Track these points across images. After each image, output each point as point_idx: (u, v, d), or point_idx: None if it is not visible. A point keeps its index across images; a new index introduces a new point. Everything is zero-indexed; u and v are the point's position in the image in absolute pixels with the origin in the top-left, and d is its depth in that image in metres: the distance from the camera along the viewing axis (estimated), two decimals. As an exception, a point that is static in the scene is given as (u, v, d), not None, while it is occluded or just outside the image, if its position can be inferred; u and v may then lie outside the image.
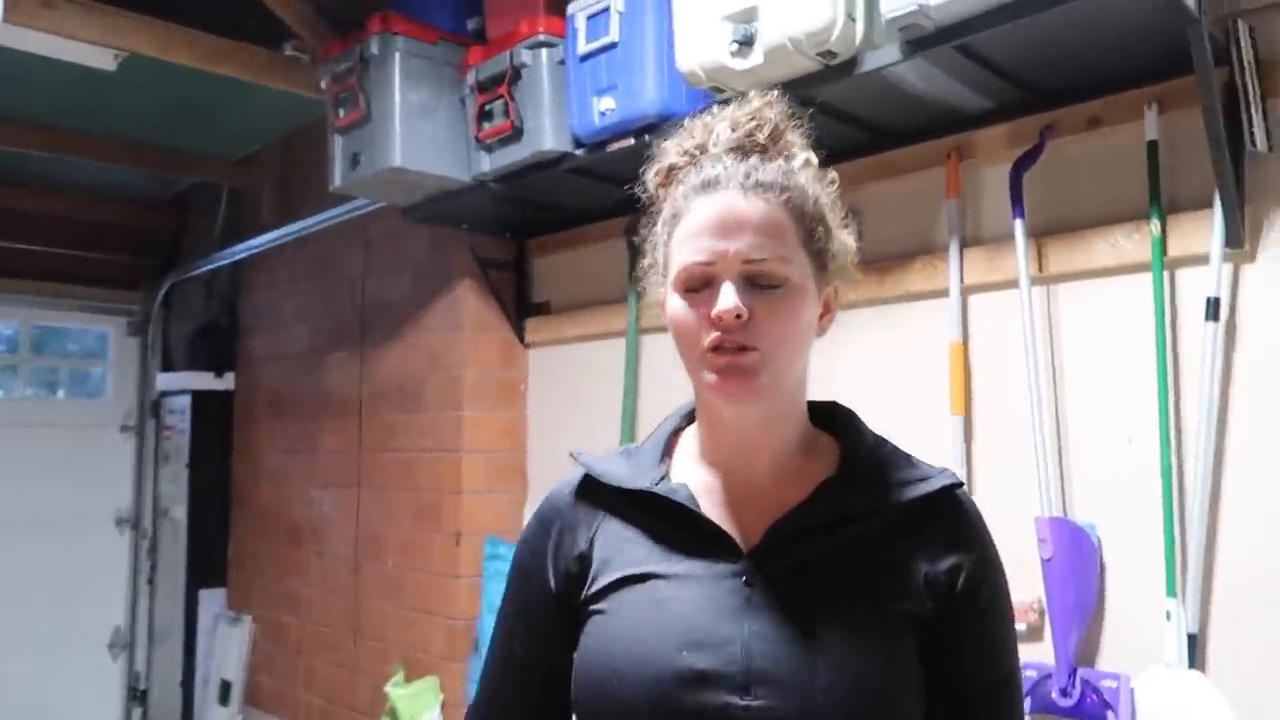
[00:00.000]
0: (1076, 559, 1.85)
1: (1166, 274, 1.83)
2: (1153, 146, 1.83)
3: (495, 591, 2.99)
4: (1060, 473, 1.95)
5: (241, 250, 4.07)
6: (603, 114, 2.25)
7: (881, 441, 0.96)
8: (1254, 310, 1.75)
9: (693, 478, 0.94)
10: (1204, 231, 1.76)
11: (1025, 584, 1.91)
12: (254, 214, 4.20)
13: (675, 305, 0.89)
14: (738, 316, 0.83)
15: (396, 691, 3.10)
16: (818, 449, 0.95)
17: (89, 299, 4.67)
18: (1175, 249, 1.81)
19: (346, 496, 3.63)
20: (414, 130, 2.56)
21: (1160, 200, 1.82)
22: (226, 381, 4.38)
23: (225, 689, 4.12)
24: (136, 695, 4.61)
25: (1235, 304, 1.77)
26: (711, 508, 0.91)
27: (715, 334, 0.84)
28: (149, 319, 4.79)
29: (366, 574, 3.50)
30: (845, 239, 0.94)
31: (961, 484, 0.93)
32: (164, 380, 4.52)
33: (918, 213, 2.23)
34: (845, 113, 2.10)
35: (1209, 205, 1.75)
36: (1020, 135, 2.04)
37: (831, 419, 0.97)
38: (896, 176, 2.26)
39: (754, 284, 0.85)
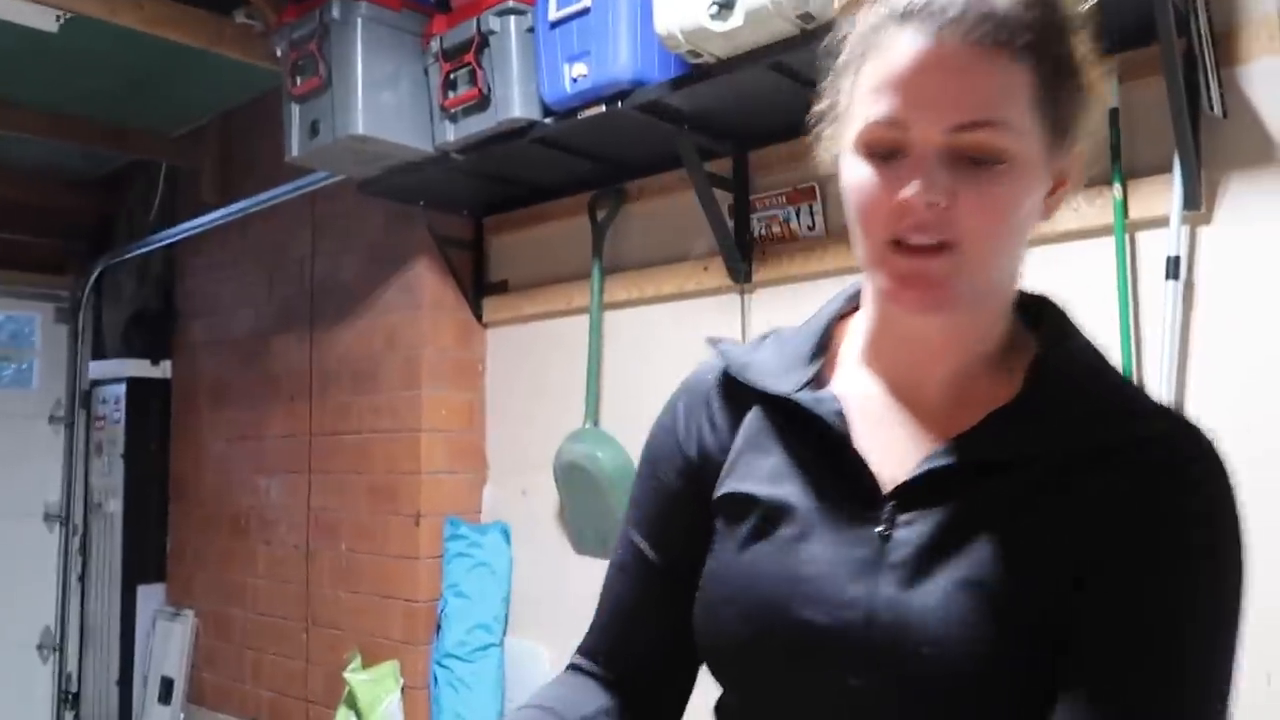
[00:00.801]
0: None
1: (1128, 236, 1.90)
2: (1114, 114, 1.90)
3: (457, 573, 2.95)
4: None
5: (181, 231, 3.95)
6: (574, 80, 2.24)
7: (1094, 356, 0.74)
8: (1211, 269, 1.83)
9: (850, 384, 0.77)
10: (1163, 194, 1.84)
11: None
12: (192, 196, 4.07)
13: (853, 171, 0.68)
14: (931, 206, 0.64)
15: (355, 677, 3.04)
16: (1015, 362, 0.74)
17: (13, 284, 4.47)
18: (1136, 212, 1.89)
19: (296, 482, 3.54)
20: (376, 98, 2.52)
21: (1121, 165, 1.89)
22: (163, 369, 4.24)
23: (167, 686, 3.99)
24: (68, 698, 4.42)
25: (1193, 263, 1.85)
26: (864, 429, 0.74)
27: (901, 223, 0.65)
28: (79, 305, 4.60)
29: (319, 561, 3.42)
30: (1099, 86, 0.70)
31: (1196, 431, 0.68)
32: (97, 369, 4.35)
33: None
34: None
35: (1168, 169, 1.83)
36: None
37: (1037, 320, 0.76)
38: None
39: (961, 159, 0.64)
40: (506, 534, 2.99)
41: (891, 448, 0.73)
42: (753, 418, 0.80)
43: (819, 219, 2.37)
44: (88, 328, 4.59)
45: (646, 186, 2.74)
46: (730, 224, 2.45)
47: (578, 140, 2.50)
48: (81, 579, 4.42)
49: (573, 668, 0.88)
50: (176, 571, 4.14)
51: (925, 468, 0.70)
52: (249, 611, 3.72)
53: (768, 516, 0.75)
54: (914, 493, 0.70)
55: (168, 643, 4.04)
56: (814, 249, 2.36)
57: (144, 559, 4.16)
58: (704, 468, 0.81)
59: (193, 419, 4.09)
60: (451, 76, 2.48)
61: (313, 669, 3.40)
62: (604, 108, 2.23)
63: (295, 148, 2.66)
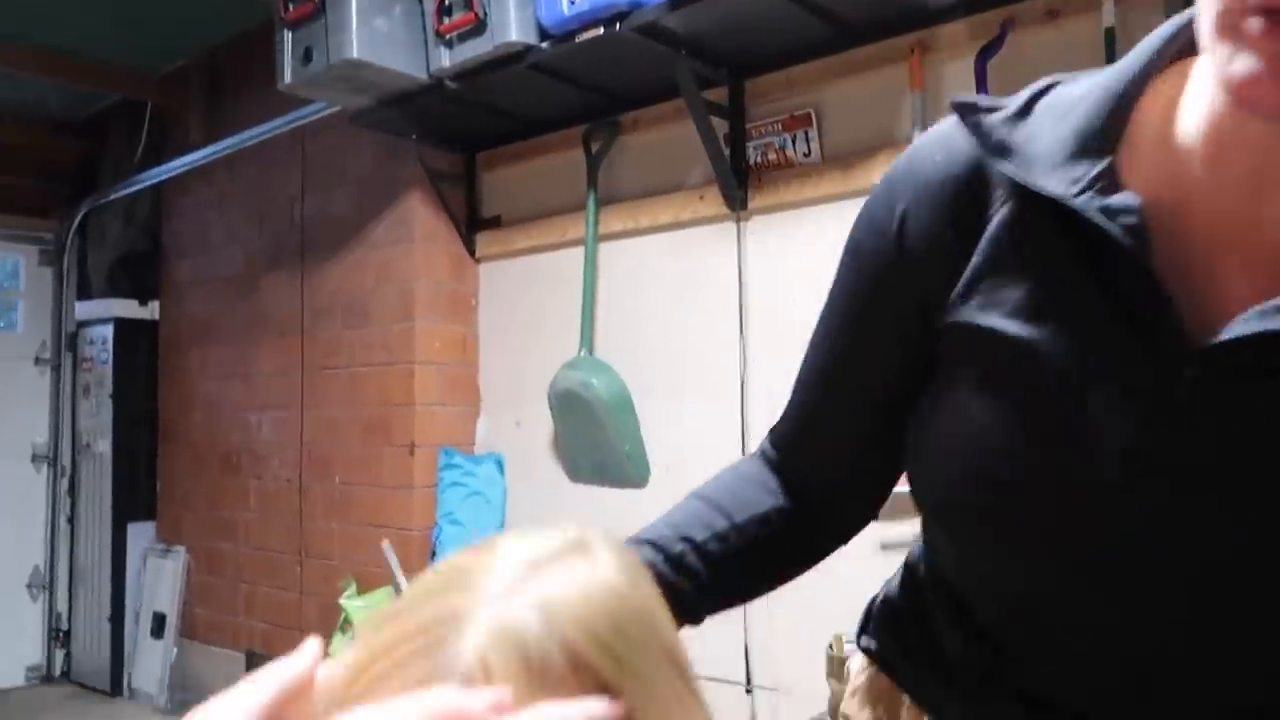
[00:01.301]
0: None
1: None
2: (1110, 33, 1.93)
3: (451, 501, 2.99)
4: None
5: (169, 170, 3.92)
6: (572, 3, 2.24)
7: None
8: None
9: (1157, 180, 0.54)
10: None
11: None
12: (177, 137, 4.03)
13: None
14: None
15: (351, 604, 3.08)
16: None
17: (-2, 225, 4.43)
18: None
19: (288, 418, 3.56)
20: (370, 23, 2.51)
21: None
22: (151, 310, 4.22)
23: (159, 621, 4.02)
24: (58, 635, 4.45)
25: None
26: (1170, 247, 0.54)
27: None
28: (63, 248, 4.57)
29: (311, 495, 3.45)
30: None
31: None
32: (83, 309, 4.33)
33: (881, 108, 2.30)
34: (814, 3, 2.15)
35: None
36: (981, 29, 2.12)
37: None
38: (861, 73, 2.32)
39: None
40: (500, 464, 3.03)
41: (1210, 278, 0.53)
42: (1005, 222, 0.59)
43: (815, 145, 2.39)
44: (72, 270, 4.55)
45: (642, 118, 2.75)
46: (726, 152, 2.47)
47: (574, 67, 2.50)
48: (71, 519, 4.43)
49: (760, 454, 0.79)
50: (167, 509, 4.15)
51: (1256, 327, 0.50)
52: (241, 546, 3.75)
53: (1017, 363, 0.57)
54: (1233, 353, 0.51)
55: (159, 579, 4.07)
56: (810, 175, 2.39)
57: (134, 498, 4.17)
58: (926, 282, 0.63)
59: (181, 359, 4.09)
60: (447, 2, 2.47)
61: (306, 600, 3.45)
62: (601, 30, 2.24)
63: (288, 75, 2.65)
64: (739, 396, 2.49)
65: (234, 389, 3.81)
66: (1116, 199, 0.53)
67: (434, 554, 2.99)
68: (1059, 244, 0.56)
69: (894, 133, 2.27)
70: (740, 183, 2.48)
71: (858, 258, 0.69)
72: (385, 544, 3.08)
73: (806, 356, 0.75)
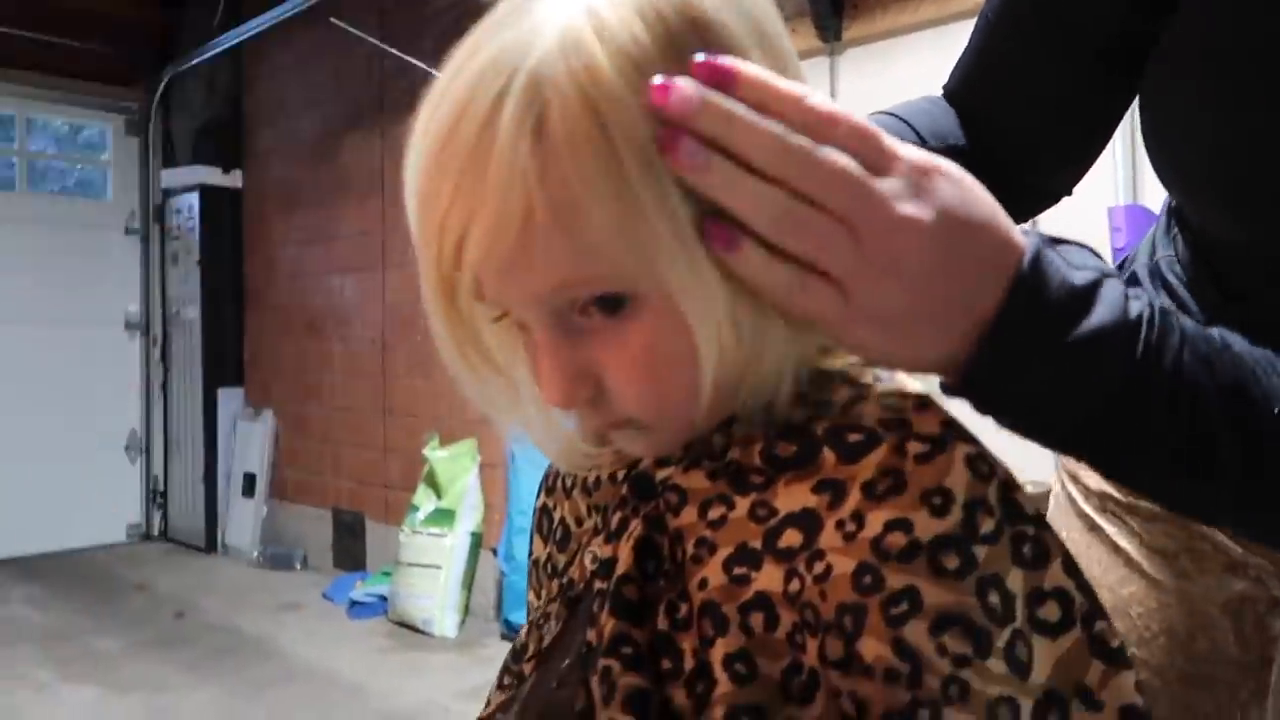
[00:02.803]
0: (1150, 247, 1.86)
1: None
2: None
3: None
4: (1133, 159, 1.94)
5: (249, 29, 3.90)
6: None
7: None
8: None
9: None
10: None
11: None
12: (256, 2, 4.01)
13: None
14: None
15: (434, 455, 3.14)
16: None
17: (84, 94, 4.49)
18: None
19: (370, 280, 3.59)
20: None
21: None
22: (234, 179, 4.27)
23: (249, 482, 4.17)
24: (155, 496, 4.65)
25: None
26: None
27: None
28: (149, 117, 4.62)
29: (394, 353, 3.49)
30: None
31: None
32: (168, 177, 4.40)
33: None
34: None
35: None
36: None
37: None
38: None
39: None
40: (581, 318, 3.02)
41: None
42: None
43: (918, -37, 2.26)
44: (158, 140, 4.61)
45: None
46: (822, -23, 2.35)
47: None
48: (164, 385, 4.58)
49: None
50: (254, 374, 4.27)
51: None
52: (326, 407, 3.84)
53: None
54: None
55: (248, 442, 4.20)
56: (909, 1, 2.26)
57: (223, 363, 4.29)
58: None
59: (264, 225, 4.14)
60: None
61: (391, 457, 3.52)
62: None
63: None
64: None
65: (316, 254, 3.85)
66: None
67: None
68: None
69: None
70: (835, 10, 2.36)
71: None
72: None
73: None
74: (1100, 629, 0.36)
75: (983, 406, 0.41)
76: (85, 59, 4.41)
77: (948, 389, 0.41)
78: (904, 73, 2.30)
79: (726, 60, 0.37)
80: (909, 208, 0.37)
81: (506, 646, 2.37)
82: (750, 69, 0.37)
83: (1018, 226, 0.40)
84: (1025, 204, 0.71)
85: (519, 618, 2.93)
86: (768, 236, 0.37)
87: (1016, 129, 0.67)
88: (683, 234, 0.37)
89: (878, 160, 0.37)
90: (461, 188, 0.37)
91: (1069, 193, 0.71)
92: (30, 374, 4.26)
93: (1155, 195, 1.89)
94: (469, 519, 3.13)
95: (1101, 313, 0.39)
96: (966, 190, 0.38)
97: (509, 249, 0.37)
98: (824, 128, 0.37)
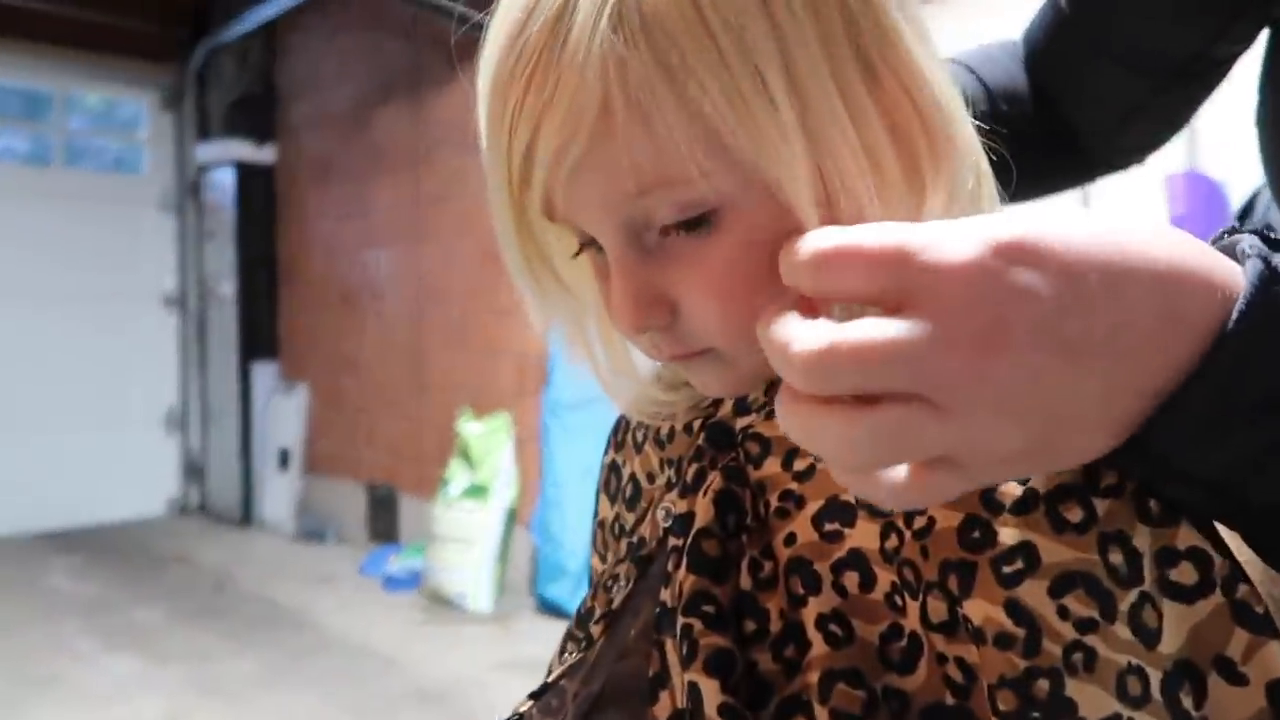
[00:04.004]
0: (1210, 216, 1.80)
1: None
2: None
3: (567, 327, 2.97)
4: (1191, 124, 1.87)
5: (283, 2, 3.88)
6: None
7: None
8: None
9: None
10: None
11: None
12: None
13: None
14: None
15: (468, 429, 3.13)
16: None
17: (120, 70, 4.50)
18: None
19: (404, 253, 3.58)
20: None
21: None
22: (267, 154, 4.28)
23: (284, 456, 4.20)
24: (193, 471, 4.70)
25: None
26: None
27: None
28: (183, 92, 4.63)
29: (429, 326, 3.48)
30: None
31: None
32: (203, 151, 4.41)
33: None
34: None
35: None
36: None
37: None
38: None
39: None
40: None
41: None
42: None
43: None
44: (192, 115, 4.62)
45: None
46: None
47: None
48: (200, 360, 4.61)
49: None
50: (289, 348, 4.28)
51: None
52: (360, 381, 3.84)
53: None
54: None
55: (283, 416, 4.22)
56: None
57: (258, 338, 4.31)
58: None
59: (298, 200, 4.15)
60: None
61: (425, 430, 3.52)
62: None
63: None
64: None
65: (351, 228, 3.85)
66: None
67: (547, 379, 2.99)
68: None
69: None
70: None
71: None
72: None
73: None
74: (1244, 593, 0.32)
75: (1164, 479, 0.32)
76: (120, 35, 4.42)
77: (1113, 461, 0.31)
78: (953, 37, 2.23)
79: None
80: (975, 339, 0.27)
81: (540, 621, 2.34)
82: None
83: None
84: (1095, 171, 0.68)
85: (553, 592, 2.92)
86: (854, 477, 0.30)
87: (1110, 95, 0.62)
88: (783, 133, 0.33)
89: (912, 287, 0.27)
90: (534, 78, 0.34)
91: (1143, 162, 0.67)
92: (69, 350, 4.30)
93: (1214, 162, 1.82)
94: (503, 493, 3.13)
95: None
96: (1065, 256, 0.27)
97: (583, 147, 0.34)
98: (830, 278, 0.29)
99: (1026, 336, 0.27)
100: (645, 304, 0.37)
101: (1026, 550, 0.33)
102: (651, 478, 0.48)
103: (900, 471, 0.29)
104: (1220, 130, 1.84)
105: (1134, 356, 0.28)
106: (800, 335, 0.28)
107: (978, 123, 0.42)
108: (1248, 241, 0.29)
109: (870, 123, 0.34)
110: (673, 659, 0.38)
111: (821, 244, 0.29)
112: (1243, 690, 0.31)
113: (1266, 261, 0.28)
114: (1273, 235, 0.30)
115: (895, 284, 0.27)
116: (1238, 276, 0.28)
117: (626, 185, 0.34)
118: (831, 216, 0.34)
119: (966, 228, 0.28)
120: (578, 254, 0.40)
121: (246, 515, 4.36)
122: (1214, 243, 0.31)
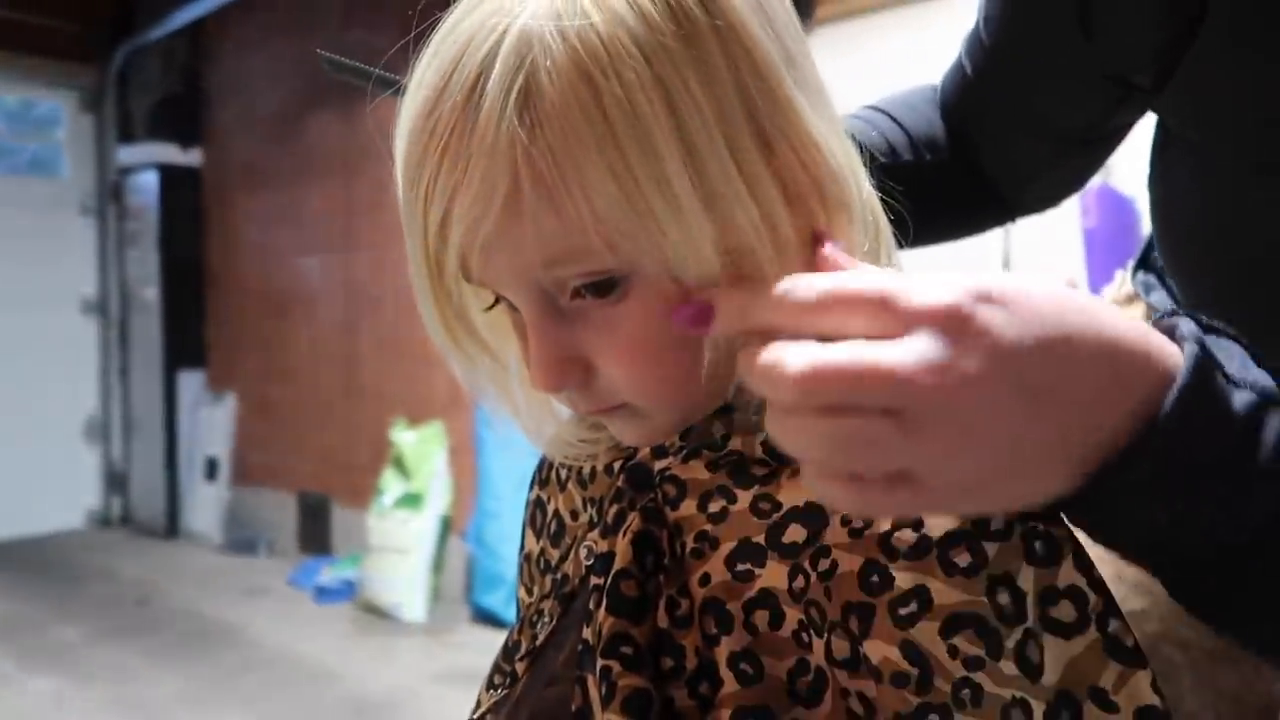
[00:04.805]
0: (1119, 229, 1.87)
1: None
2: None
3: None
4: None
5: (209, 3, 3.80)
6: None
7: None
8: None
9: None
10: None
11: (1065, 255, 1.94)
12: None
13: None
14: None
15: (401, 438, 3.10)
16: None
17: (38, 70, 4.35)
18: None
19: (336, 260, 3.53)
20: None
21: None
22: (193, 157, 4.18)
23: (211, 466, 4.10)
24: (115, 481, 4.57)
25: None
26: None
27: None
28: (104, 93, 4.50)
29: (361, 334, 3.44)
30: None
31: None
32: (126, 154, 4.29)
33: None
34: None
35: None
36: None
37: None
38: None
39: None
40: (551, 300, 2.99)
41: None
42: None
43: (891, -57, 2.25)
44: (113, 117, 4.49)
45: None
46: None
47: None
48: (123, 368, 4.49)
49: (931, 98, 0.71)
50: (216, 356, 4.19)
51: None
52: (292, 389, 3.78)
53: None
54: None
55: (211, 425, 4.13)
56: (883, -20, 2.25)
57: (183, 346, 4.21)
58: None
59: (226, 205, 4.06)
60: None
61: (357, 439, 3.48)
62: None
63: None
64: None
65: (281, 233, 3.79)
66: None
67: (486, 385, 2.98)
68: None
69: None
70: (809, -11, 2.35)
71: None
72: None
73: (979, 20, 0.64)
74: (1115, 628, 0.35)
75: (1100, 531, 0.35)
76: (38, 34, 4.28)
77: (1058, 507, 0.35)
78: (877, 52, 2.29)
79: (705, 297, 0.36)
80: (947, 365, 0.30)
81: (476, 630, 2.34)
82: (727, 298, 0.35)
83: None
84: (1015, 214, 0.72)
85: (488, 601, 2.91)
86: (823, 482, 0.32)
87: (1017, 156, 0.66)
88: (680, 208, 0.35)
89: (892, 324, 0.31)
90: (446, 157, 0.35)
91: (1059, 205, 0.71)
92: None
93: (1125, 177, 1.90)
94: (437, 502, 3.11)
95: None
96: (1026, 307, 0.31)
97: (494, 224, 0.35)
98: (820, 317, 0.32)
99: (992, 368, 0.30)
100: (561, 367, 0.39)
101: (920, 593, 0.36)
102: (575, 515, 0.49)
103: (865, 482, 0.32)
104: (1132, 147, 1.92)
105: (1086, 411, 0.32)
106: (791, 355, 0.31)
107: (896, 169, 0.44)
108: (1185, 326, 0.34)
109: (767, 192, 0.37)
110: (594, 695, 0.40)
111: (822, 286, 0.32)
112: (1114, 717, 0.34)
113: (1202, 345, 0.32)
114: (1205, 321, 0.34)
115: (881, 322, 0.31)
116: (1175, 356, 0.32)
117: (536, 257, 0.36)
118: (734, 279, 0.36)
119: (944, 278, 0.31)
120: (491, 307, 0.42)
121: (172, 527, 4.25)
122: (1154, 323, 0.34)
